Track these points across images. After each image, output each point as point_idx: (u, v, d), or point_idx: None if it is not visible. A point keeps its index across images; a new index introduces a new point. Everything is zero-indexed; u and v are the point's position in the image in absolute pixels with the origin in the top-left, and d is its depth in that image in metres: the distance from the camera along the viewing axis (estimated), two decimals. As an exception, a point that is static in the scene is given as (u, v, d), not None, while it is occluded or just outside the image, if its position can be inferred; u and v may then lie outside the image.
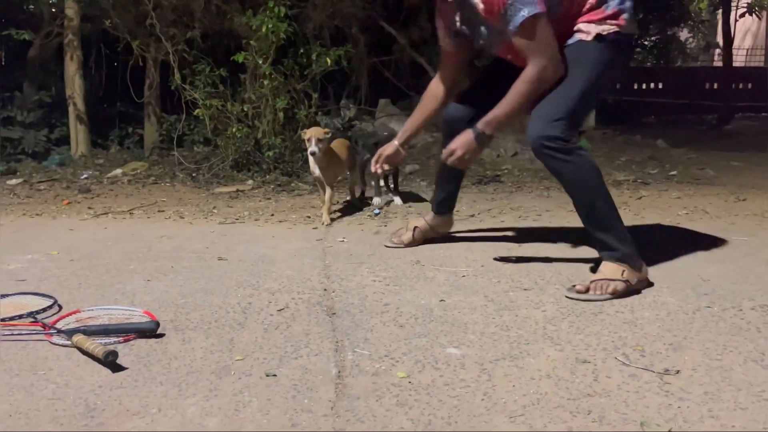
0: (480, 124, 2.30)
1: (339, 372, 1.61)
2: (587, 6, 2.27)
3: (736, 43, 12.06)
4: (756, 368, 1.62)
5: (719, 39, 13.84)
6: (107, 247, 2.99)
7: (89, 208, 4.24)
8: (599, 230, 2.24)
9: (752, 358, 1.67)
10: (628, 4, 2.30)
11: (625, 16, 2.27)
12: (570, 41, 2.28)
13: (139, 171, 5.76)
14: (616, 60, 2.31)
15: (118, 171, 5.73)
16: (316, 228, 3.45)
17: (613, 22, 2.25)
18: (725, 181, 5.07)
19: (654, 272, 2.19)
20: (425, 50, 8.96)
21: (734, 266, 2.56)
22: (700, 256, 2.75)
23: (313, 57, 5.50)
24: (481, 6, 2.20)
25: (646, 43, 12.27)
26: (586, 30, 2.25)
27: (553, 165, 2.22)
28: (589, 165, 2.23)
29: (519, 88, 2.22)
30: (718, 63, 14.70)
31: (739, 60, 15.43)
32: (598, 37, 2.23)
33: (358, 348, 1.76)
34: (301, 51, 5.59)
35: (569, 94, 2.21)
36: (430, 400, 1.46)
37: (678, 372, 1.60)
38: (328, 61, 5.45)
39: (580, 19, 2.28)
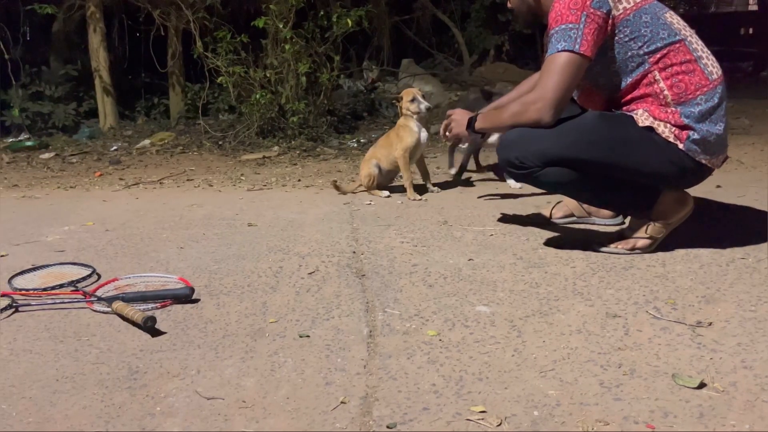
0: (479, 115, 2.31)
1: (370, 332, 1.64)
2: (640, 91, 2.04)
3: (773, -15, 11.53)
4: (791, 319, 1.60)
5: (755, -19, 13.24)
6: (140, 217, 3.06)
7: (120, 179, 4.33)
8: (612, 196, 2.19)
9: (787, 309, 1.65)
10: (704, 127, 1.98)
11: (692, 136, 1.98)
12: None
13: (166, 141, 5.83)
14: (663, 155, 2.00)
15: (147, 142, 5.81)
16: (345, 194, 3.46)
17: (674, 129, 1.99)
18: (761, 130, 4.92)
19: (686, 225, 2.16)
20: (447, 6, 8.77)
21: (770, 217, 2.50)
22: (735, 207, 2.70)
23: (334, 19, 5.43)
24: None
25: (677, -12, 11.84)
26: (641, 116, 2.03)
27: (521, 181, 2.19)
28: (555, 171, 2.07)
29: (513, 106, 2.12)
30: (753, 7, 14.11)
31: (776, 2, 14.75)
32: (649, 128, 2.01)
33: (388, 308, 1.79)
34: (322, 13, 5.52)
35: (565, 135, 2.03)
36: (461, 357, 1.48)
37: (710, 324, 1.59)
38: (349, 22, 5.38)
39: (639, 104, 2.05)
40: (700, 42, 2.05)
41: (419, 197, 3.21)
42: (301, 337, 1.62)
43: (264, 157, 4.93)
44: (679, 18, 2.07)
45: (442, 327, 1.65)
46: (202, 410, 1.30)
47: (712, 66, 2.03)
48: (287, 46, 5.33)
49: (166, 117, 6.92)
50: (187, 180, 4.19)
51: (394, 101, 3.34)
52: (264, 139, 5.51)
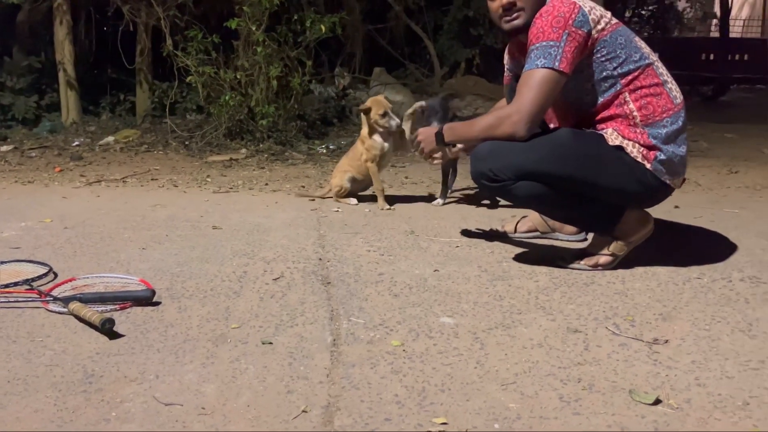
0: (445, 126, 2.32)
1: (334, 340, 1.64)
2: (610, 112, 2.09)
3: (733, 14, 11.97)
4: (743, 338, 1.65)
5: (717, 9, 13.72)
6: (101, 216, 2.99)
7: (81, 175, 4.22)
8: (579, 212, 2.23)
9: (740, 329, 1.70)
10: (670, 148, 2.04)
11: (659, 156, 2.03)
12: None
13: (131, 139, 5.71)
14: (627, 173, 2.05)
15: (111, 138, 5.68)
16: (313, 200, 3.44)
17: (642, 149, 2.04)
18: (718, 153, 5.09)
19: (645, 244, 2.21)
20: (421, 17, 8.84)
21: (725, 238, 2.58)
22: (692, 227, 2.78)
23: (307, 24, 5.41)
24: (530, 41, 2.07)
25: (643, 12, 12.17)
26: (611, 135, 2.07)
27: (493, 193, 2.22)
28: (527, 185, 2.08)
29: (486, 119, 2.17)
30: (715, 34, 14.60)
31: (735, 31, 15.35)
32: (618, 147, 2.05)
33: (353, 317, 1.78)
34: (295, 18, 5.49)
35: (535, 151, 2.05)
36: (424, 367, 1.49)
37: (667, 341, 1.63)
38: (323, 28, 5.37)
39: (609, 123, 2.09)
40: (663, 67, 2.12)
41: (389, 207, 3.18)
42: (263, 343, 1.61)
43: (231, 159, 4.88)
44: (644, 43, 2.14)
45: (407, 337, 1.65)
46: (159, 416, 1.27)
47: (676, 90, 2.10)
48: (259, 49, 5.29)
49: (131, 114, 6.78)
50: (152, 179, 4.11)
51: (359, 111, 3.18)
52: (232, 141, 5.45)
